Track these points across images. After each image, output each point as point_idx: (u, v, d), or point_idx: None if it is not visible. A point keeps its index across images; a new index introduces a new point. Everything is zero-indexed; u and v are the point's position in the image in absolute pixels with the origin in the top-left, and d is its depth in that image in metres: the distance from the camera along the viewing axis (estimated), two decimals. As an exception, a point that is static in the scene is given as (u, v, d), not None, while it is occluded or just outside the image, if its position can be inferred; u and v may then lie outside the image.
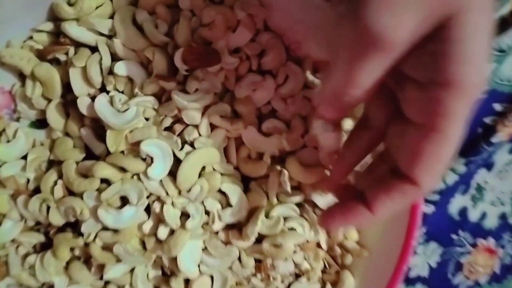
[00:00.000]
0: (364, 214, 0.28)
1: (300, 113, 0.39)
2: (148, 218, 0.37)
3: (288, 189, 0.37)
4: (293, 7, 0.37)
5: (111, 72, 0.37)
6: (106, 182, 0.37)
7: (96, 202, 0.36)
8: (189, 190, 0.37)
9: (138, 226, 0.37)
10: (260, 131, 0.38)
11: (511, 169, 0.55)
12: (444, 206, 0.54)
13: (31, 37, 0.38)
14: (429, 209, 0.53)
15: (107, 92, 0.37)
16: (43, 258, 0.38)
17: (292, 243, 0.38)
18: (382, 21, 0.21)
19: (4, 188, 0.38)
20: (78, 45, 0.38)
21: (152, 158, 0.36)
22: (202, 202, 0.37)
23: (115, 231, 0.37)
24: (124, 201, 0.37)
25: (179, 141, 0.37)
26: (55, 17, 0.38)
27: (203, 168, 0.37)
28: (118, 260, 0.37)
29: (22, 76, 0.39)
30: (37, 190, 0.39)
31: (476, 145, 0.52)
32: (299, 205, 0.39)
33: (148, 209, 0.37)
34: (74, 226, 0.39)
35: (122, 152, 0.37)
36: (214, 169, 0.38)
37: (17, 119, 0.40)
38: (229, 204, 0.38)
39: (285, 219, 0.38)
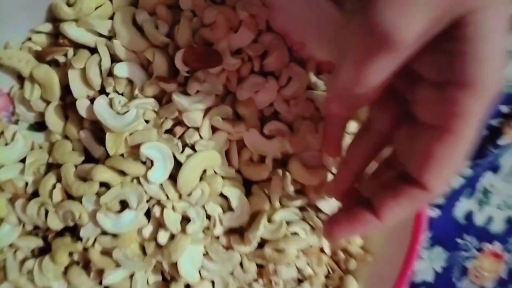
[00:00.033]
0: (371, 221, 0.27)
1: (303, 115, 0.38)
2: (148, 222, 0.37)
3: (291, 192, 0.37)
4: (296, 7, 0.37)
5: (110, 73, 0.36)
6: (105, 185, 0.36)
7: (95, 206, 0.36)
8: (189, 194, 0.36)
9: (137, 230, 0.37)
10: (262, 133, 0.38)
11: (517, 172, 0.54)
12: (450, 209, 0.54)
13: (29, 38, 0.38)
14: (434, 213, 0.53)
15: (107, 94, 0.37)
16: (41, 263, 0.38)
17: (294, 248, 0.38)
18: (391, 20, 0.20)
19: (2, 191, 0.38)
20: (77, 46, 0.37)
21: (152, 161, 0.36)
22: (203, 206, 0.37)
23: (115, 235, 0.36)
24: (124, 205, 0.37)
25: (179, 144, 0.37)
26: (54, 18, 0.37)
27: (204, 171, 0.37)
28: (118, 265, 0.37)
29: (20, 78, 0.39)
30: (35, 194, 0.38)
31: (482, 148, 0.52)
32: (302, 209, 0.39)
33: (148, 214, 0.37)
34: (73, 231, 0.38)
35: (122, 155, 0.37)
36: (215, 172, 0.38)
37: (16, 122, 0.40)
38: (230, 208, 0.38)
39: (288, 223, 0.38)
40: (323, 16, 0.36)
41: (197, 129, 0.37)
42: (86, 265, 0.39)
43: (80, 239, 0.37)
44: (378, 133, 0.29)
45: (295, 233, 0.38)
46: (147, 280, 0.39)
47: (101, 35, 0.37)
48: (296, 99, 0.38)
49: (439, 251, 0.54)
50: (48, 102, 0.38)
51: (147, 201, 0.36)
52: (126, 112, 0.36)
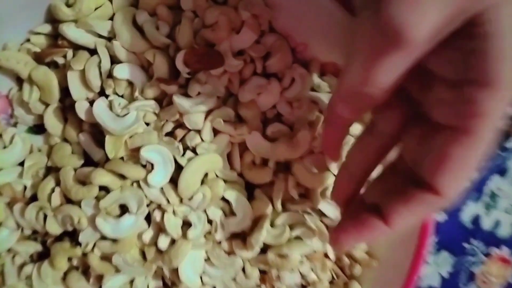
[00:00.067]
0: (379, 228, 0.26)
1: (306, 117, 0.38)
2: (148, 227, 0.37)
3: (295, 195, 0.37)
4: (299, 7, 0.36)
5: (110, 75, 0.36)
6: (105, 189, 0.36)
7: (95, 211, 0.36)
8: (191, 198, 0.36)
9: (138, 235, 0.37)
10: (265, 136, 0.38)
11: (525, 176, 0.54)
12: (456, 213, 0.53)
13: (28, 40, 0.38)
14: (441, 217, 0.52)
15: (106, 96, 0.36)
16: (40, 268, 0.37)
17: (298, 253, 0.37)
18: (403, 16, 0.20)
19: (0, 195, 0.37)
20: (76, 47, 0.37)
21: (152, 165, 0.35)
22: (205, 211, 0.37)
23: (114, 240, 0.36)
24: (124, 209, 0.36)
25: (180, 146, 0.36)
26: (53, 19, 0.37)
27: (206, 175, 0.37)
28: (117, 270, 0.37)
29: (19, 80, 0.38)
30: (34, 198, 0.38)
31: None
32: (305, 213, 0.38)
33: (148, 218, 0.37)
34: (72, 235, 0.38)
35: (122, 158, 0.36)
36: (217, 176, 0.37)
37: (14, 125, 0.39)
38: (232, 213, 0.37)
39: (291, 228, 0.37)
40: (327, 17, 0.36)
41: (199, 131, 0.37)
42: (85, 270, 0.38)
43: (79, 244, 0.37)
44: (382, 136, 0.28)
45: (298, 238, 0.37)
46: (148, 286, 0.38)
47: (100, 36, 0.37)
48: (299, 101, 0.38)
49: (445, 256, 0.53)
50: (47, 105, 0.38)
51: (147, 206, 0.36)
52: (126, 115, 0.36)
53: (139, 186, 0.36)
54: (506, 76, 0.21)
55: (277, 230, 0.37)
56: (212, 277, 0.37)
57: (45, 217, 0.37)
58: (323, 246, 0.38)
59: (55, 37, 0.38)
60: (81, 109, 0.36)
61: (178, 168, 0.36)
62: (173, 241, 0.36)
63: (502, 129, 0.50)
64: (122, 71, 0.36)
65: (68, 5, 0.36)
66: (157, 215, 0.36)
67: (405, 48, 0.20)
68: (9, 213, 0.38)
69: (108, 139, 0.36)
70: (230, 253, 0.38)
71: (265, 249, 0.37)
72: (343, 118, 0.28)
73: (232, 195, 0.37)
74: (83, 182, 0.36)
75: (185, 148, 0.37)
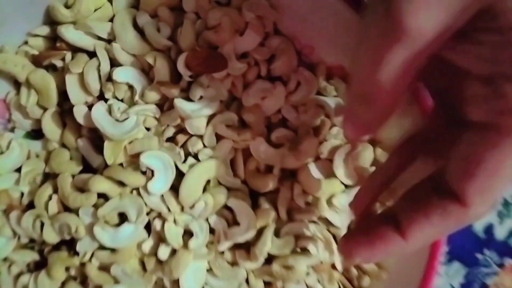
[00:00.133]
0: (394, 240, 0.23)
1: (312, 122, 0.37)
2: (148, 236, 0.36)
3: (301, 204, 0.36)
4: (305, 8, 0.35)
5: (109, 78, 0.36)
6: (103, 197, 0.36)
7: (93, 219, 0.36)
8: (192, 206, 0.36)
9: (137, 245, 0.36)
10: (270, 141, 0.37)
11: (540, 183, 0.52)
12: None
13: (26, 42, 0.37)
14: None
15: (106, 100, 0.36)
16: (37, 278, 0.37)
17: (304, 265, 0.36)
18: (410, 8, 0.19)
19: (-4, 202, 0.37)
20: (75, 50, 0.37)
21: (152, 171, 0.35)
22: (207, 219, 0.36)
23: (113, 250, 0.36)
24: (123, 218, 0.36)
25: (182, 152, 0.36)
26: (51, 21, 0.37)
27: (208, 182, 0.37)
28: (116, 281, 0.36)
29: (17, 84, 0.38)
30: (31, 205, 0.37)
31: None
32: (312, 222, 0.37)
33: (148, 227, 0.36)
34: (69, 244, 0.37)
35: (121, 164, 0.36)
36: (219, 183, 0.37)
37: (12, 129, 0.39)
38: (236, 222, 0.37)
39: (297, 238, 0.37)
40: (335, 18, 0.35)
41: (201, 137, 0.37)
42: (83, 280, 0.38)
43: (77, 253, 0.36)
44: (426, 140, 0.27)
45: (305, 249, 0.37)
46: (147, 298, 0.38)
47: (100, 38, 0.36)
48: (305, 106, 0.37)
49: (457, 266, 0.52)
50: (45, 109, 0.38)
51: (147, 214, 0.36)
52: (125, 119, 0.35)
53: (138, 193, 0.36)
54: None
55: (282, 240, 0.36)
56: (214, 289, 0.37)
57: (42, 225, 0.36)
58: (330, 256, 0.37)
59: (54, 39, 0.37)
60: (79, 113, 0.36)
61: (179, 175, 0.36)
62: (174, 251, 0.36)
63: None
64: (122, 74, 0.35)
65: (67, 6, 0.36)
66: (157, 224, 0.36)
67: (411, 40, 0.19)
68: (5, 221, 0.37)
69: (107, 145, 0.35)
70: (233, 263, 0.37)
71: (269, 259, 0.37)
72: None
73: (235, 203, 0.36)
74: (81, 189, 0.36)
75: (187, 154, 0.37)
